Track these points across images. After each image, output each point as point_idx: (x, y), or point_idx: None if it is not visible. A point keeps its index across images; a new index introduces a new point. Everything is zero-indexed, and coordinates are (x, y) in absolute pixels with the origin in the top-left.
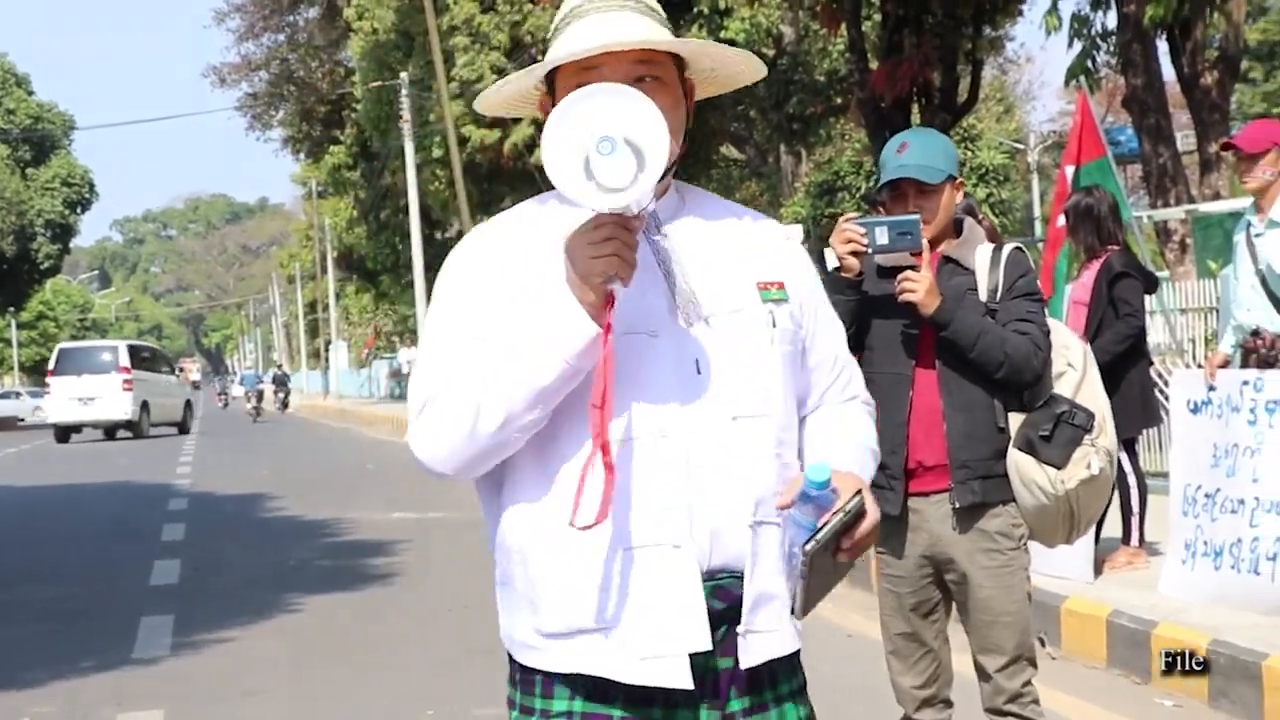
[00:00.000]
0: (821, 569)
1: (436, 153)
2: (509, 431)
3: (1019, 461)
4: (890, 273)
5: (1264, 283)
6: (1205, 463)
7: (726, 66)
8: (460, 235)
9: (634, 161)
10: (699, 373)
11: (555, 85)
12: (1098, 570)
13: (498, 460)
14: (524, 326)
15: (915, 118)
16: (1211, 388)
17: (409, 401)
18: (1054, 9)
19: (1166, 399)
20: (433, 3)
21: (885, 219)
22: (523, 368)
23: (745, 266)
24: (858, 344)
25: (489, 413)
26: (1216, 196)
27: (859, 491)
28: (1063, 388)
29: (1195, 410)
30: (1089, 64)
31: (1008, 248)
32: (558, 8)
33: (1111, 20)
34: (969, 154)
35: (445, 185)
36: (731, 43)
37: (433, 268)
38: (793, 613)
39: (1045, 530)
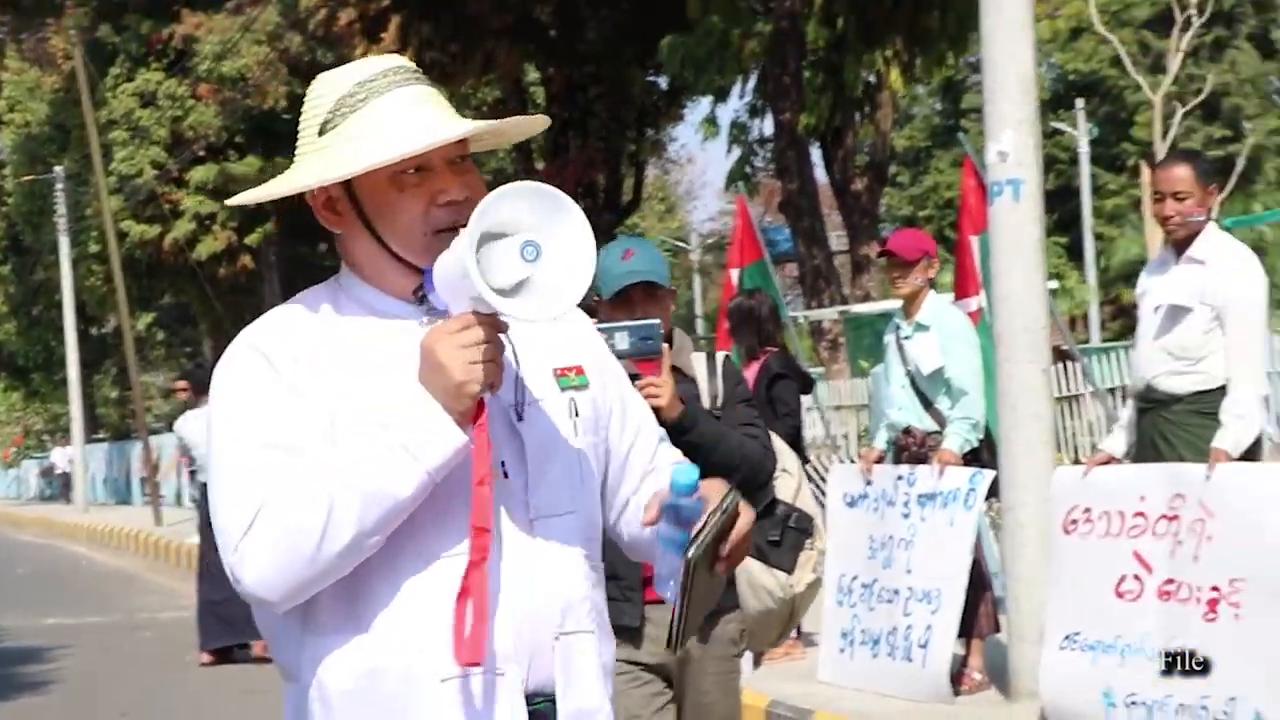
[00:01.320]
0: (700, 584)
1: (94, 248)
2: (355, 552)
3: (749, 567)
4: None
5: (914, 383)
6: (863, 554)
7: (507, 132)
8: (118, 331)
9: (532, 267)
10: (505, 475)
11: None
12: (756, 662)
13: (325, 585)
14: (371, 436)
15: None
16: (868, 482)
17: (225, 521)
18: (712, 115)
19: (822, 494)
20: (90, 96)
21: (625, 324)
22: (380, 481)
23: (541, 352)
24: None
25: (337, 531)
26: (867, 297)
27: (731, 489)
28: (783, 493)
29: (852, 504)
30: (747, 169)
31: (720, 355)
32: (222, 104)
33: (768, 127)
34: None
35: (103, 281)
36: None
37: (88, 364)
38: (670, 644)
39: (763, 634)
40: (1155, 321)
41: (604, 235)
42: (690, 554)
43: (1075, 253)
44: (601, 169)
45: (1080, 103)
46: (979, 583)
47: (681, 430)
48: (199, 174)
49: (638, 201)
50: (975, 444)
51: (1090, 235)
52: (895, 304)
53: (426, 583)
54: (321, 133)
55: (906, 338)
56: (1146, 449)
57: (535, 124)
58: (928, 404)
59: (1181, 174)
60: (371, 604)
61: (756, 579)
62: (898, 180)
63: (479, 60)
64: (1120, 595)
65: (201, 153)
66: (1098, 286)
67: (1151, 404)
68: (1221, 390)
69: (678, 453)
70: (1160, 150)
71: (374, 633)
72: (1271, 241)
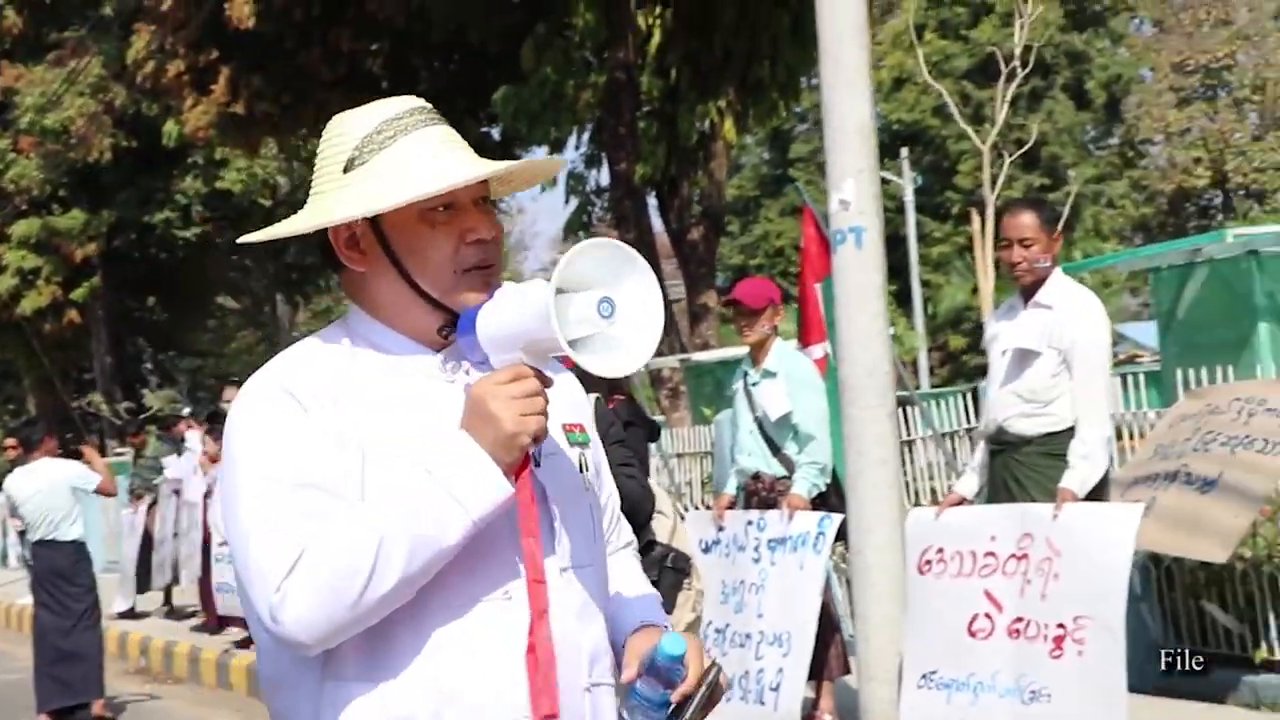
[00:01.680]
0: None
1: None
2: (395, 598)
3: None
4: None
5: (762, 429)
6: (715, 599)
7: (523, 174)
8: None
9: (606, 324)
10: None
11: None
12: None
13: (357, 631)
14: (415, 481)
15: None
16: (720, 528)
17: (264, 561)
18: None
19: None
20: None
21: None
22: (428, 527)
23: (550, 407)
24: None
25: (384, 575)
26: (706, 345)
27: (715, 663)
28: (659, 534)
29: (706, 550)
30: (584, 218)
31: (590, 398)
32: (45, 157)
33: (605, 177)
34: None
35: None
36: (228, 193)
37: None
38: None
39: None
40: (1004, 365)
41: None
42: (697, 699)
43: (903, 300)
44: None
45: (905, 152)
46: (828, 625)
47: None
48: (21, 228)
49: None
50: (823, 488)
51: (918, 282)
52: (735, 352)
53: (453, 631)
54: (347, 170)
55: (754, 384)
56: (998, 490)
57: (553, 166)
58: (776, 449)
59: (1028, 221)
60: (398, 651)
61: None
62: (729, 229)
63: (311, 112)
64: (973, 634)
65: (24, 207)
66: (926, 333)
67: (1002, 446)
68: (1070, 432)
69: (629, 530)
70: (989, 199)
71: (400, 680)
72: (1092, 287)
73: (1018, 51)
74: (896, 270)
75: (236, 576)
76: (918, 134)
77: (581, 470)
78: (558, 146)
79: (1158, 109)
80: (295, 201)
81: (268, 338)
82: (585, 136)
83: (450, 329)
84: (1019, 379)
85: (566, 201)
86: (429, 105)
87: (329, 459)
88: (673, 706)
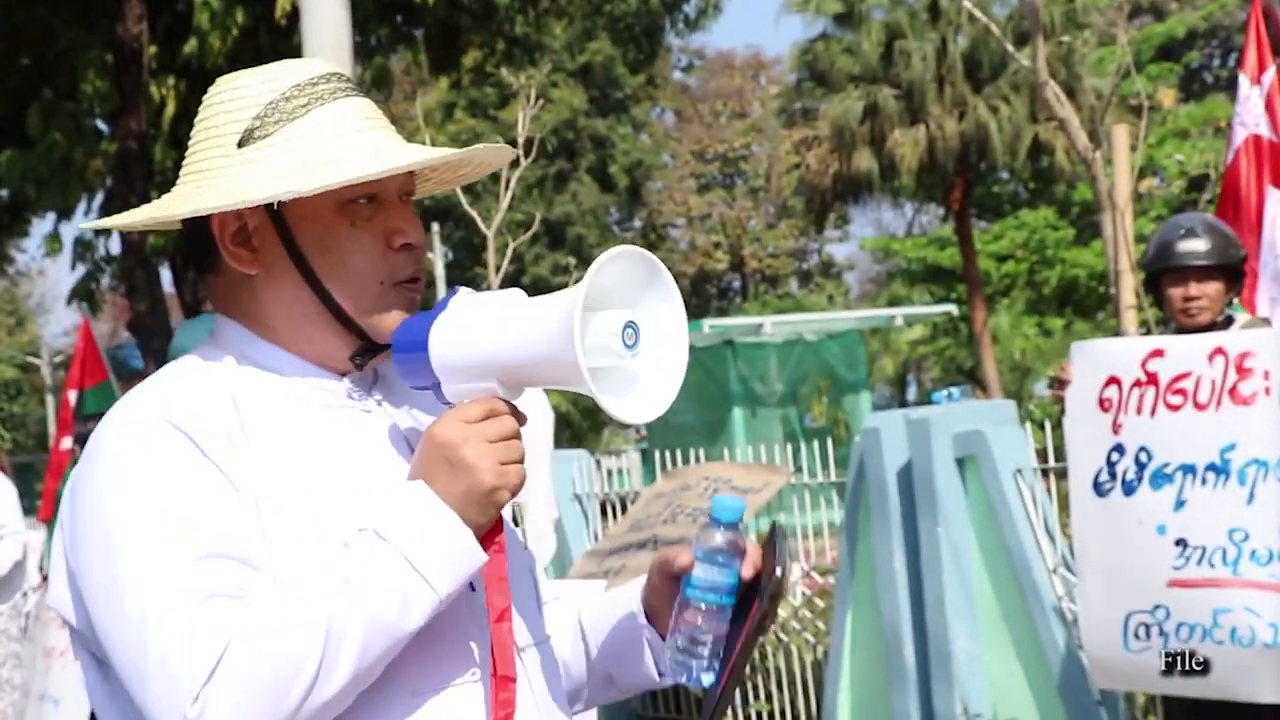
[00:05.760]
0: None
1: None
2: (344, 697)
3: None
4: None
5: None
6: None
7: (457, 166)
8: None
9: (629, 355)
10: (471, 588)
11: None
12: None
13: None
14: (366, 549)
15: None
16: None
17: (172, 661)
18: (56, 232)
19: None
20: None
21: None
22: (386, 607)
23: None
24: None
25: (334, 668)
26: None
27: (774, 523)
28: None
29: None
30: (92, 285)
31: None
32: None
33: (115, 245)
34: None
35: None
36: None
37: None
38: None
39: None
40: None
41: None
42: (777, 573)
43: None
44: None
45: (436, 227)
46: None
47: None
48: None
49: None
50: None
51: None
52: None
53: None
54: (244, 143)
55: None
56: None
57: (503, 154)
58: None
59: None
60: None
61: None
62: None
63: None
64: None
65: None
66: None
67: None
68: None
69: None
70: (493, 281)
71: None
72: None
73: (520, 140)
74: None
75: (113, 678)
76: (449, 210)
77: (516, 523)
78: (67, 213)
79: (679, 194)
80: None
81: None
82: (96, 203)
83: (365, 356)
84: None
85: (73, 267)
86: (346, 74)
87: (241, 518)
88: (743, 587)
